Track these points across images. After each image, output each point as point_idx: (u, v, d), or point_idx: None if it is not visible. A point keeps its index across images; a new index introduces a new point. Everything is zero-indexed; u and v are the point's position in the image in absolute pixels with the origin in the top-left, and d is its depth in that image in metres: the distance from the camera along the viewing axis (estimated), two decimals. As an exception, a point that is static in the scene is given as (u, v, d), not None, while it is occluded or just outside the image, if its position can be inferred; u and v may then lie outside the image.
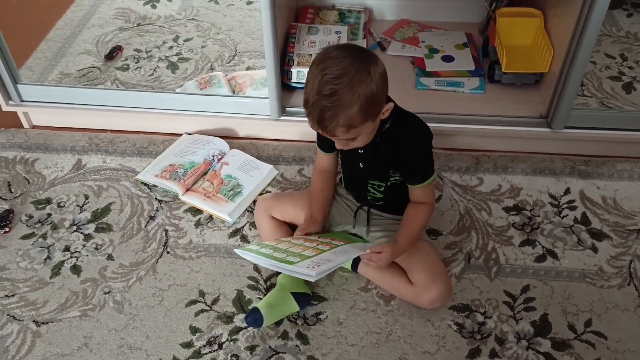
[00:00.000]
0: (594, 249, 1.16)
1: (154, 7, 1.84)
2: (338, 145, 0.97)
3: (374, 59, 0.88)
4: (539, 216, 1.22)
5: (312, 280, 0.85)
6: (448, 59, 1.50)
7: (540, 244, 1.17)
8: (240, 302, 1.08)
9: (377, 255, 0.97)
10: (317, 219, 1.07)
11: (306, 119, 0.91)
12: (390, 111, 0.93)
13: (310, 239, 1.04)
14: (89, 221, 1.24)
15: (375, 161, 1.00)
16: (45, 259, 1.17)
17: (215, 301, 1.09)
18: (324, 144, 1.06)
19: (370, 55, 0.88)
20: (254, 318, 1.02)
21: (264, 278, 1.12)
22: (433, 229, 1.20)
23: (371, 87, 0.85)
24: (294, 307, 1.05)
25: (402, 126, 0.96)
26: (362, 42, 1.55)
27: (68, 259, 1.17)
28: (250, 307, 1.05)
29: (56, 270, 1.15)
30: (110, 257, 1.17)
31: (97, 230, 1.22)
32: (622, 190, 1.27)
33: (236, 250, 0.97)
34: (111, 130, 1.47)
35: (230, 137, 1.42)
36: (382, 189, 1.05)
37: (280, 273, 1.07)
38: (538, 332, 1.03)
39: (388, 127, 0.96)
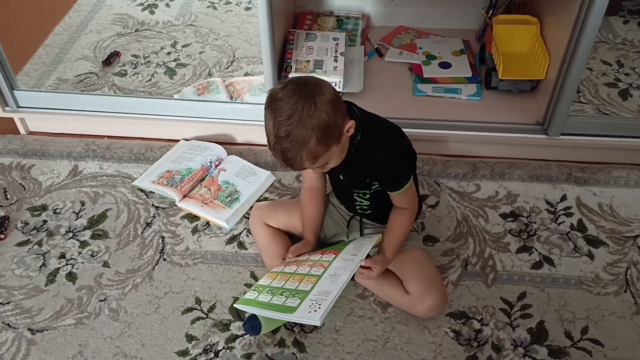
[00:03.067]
0: (591, 256, 1.16)
1: (152, 12, 1.84)
2: (314, 173, 1.00)
3: (318, 88, 0.87)
4: (535, 223, 1.22)
5: (318, 324, 0.88)
6: (445, 65, 1.51)
7: (537, 251, 1.17)
8: (236, 309, 1.08)
9: (367, 271, 0.98)
10: (309, 240, 1.09)
11: None
12: (357, 125, 0.93)
13: (302, 260, 1.04)
14: (85, 228, 1.23)
15: (353, 172, 1.01)
16: (41, 266, 1.16)
17: (211, 309, 1.08)
18: None
19: (314, 86, 0.88)
20: (252, 325, 1.02)
21: (261, 285, 1.12)
22: (430, 235, 1.20)
23: (322, 117, 0.86)
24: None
25: (371, 137, 0.96)
26: (359, 49, 1.56)
27: (63, 266, 1.16)
28: (247, 315, 1.05)
29: (51, 278, 1.14)
30: (106, 264, 1.16)
31: (93, 237, 1.22)
32: (618, 197, 1.27)
33: (236, 305, 1.00)
34: (108, 136, 1.47)
35: (228, 143, 1.42)
36: (367, 196, 1.05)
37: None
38: (534, 340, 1.03)
39: (359, 138, 0.96)
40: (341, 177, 1.04)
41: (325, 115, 0.86)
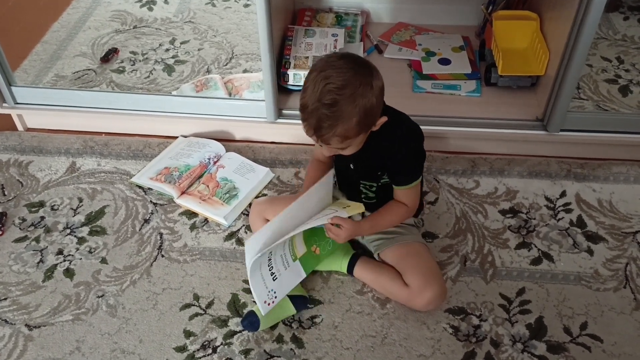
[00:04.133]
0: (590, 252, 1.15)
1: (150, 9, 1.83)
2: (327, 152, 0.98)
3: (376, 72, 0.88)
4: (534, 219, 1.22)
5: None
6: (445, 61, 1.50)
7: (536, 247, 1.16)
8: (235, 305, 1.07)
9: (336, 229, 0.98)
10: None
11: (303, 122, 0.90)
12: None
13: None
14: (83, 224, 1.23)
15: (365, 163, 1.01)
16: (38, 263, 1.16)
17: (209, 305, 1.08)
18: None
19: (372, 69, 0.88)
20: (251, 321, 1.02)
21: (259, 281, 1.12)
22: (429, 231, 1.19)
23: (372, 100, 0.85)
24: (291, 309, 1.04)
25: (391, 130, 0.96)
26: (359, 45, 1.55)
27: (61, 262, 1.16)
28: (246, 311, 1.04)
29: (49, 274, 1.14)
30: (104, 261, 1.16)
31: (90, 233, 1.21)
32: (618, 193, 1.27)
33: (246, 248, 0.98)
34: (106, 133, 1.46)
35: (226, 140, 1.41)
36: (374, 189, 1.05)
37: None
38: (533, 335, 1.02)
39: (378, 129, 0.96)
40: (351, 166, 1.04)
41: (374, 100, 0.86)
